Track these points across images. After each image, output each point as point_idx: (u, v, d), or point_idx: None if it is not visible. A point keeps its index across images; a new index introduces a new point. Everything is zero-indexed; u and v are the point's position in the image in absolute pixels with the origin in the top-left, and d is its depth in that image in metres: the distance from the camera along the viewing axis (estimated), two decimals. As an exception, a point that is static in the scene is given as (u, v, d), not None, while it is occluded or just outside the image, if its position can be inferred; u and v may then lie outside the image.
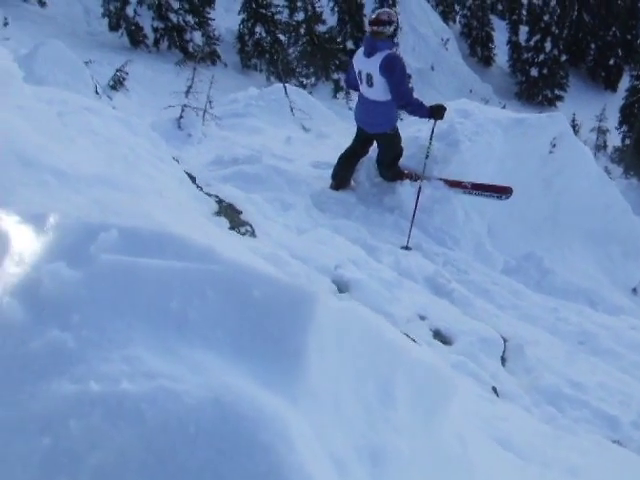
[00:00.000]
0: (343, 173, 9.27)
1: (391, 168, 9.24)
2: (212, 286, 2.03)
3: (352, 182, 9.40)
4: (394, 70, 8.11)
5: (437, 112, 8.32)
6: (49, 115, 4.76)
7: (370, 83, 8.37)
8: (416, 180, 8.88)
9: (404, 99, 8.28)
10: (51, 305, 1.93)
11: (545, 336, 6.55)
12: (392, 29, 8.21)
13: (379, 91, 8.31)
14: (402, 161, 9.07)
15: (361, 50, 8.49)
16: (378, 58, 8.09)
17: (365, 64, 8.31)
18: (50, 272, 2.03)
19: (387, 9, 8.56)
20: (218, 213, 5.93)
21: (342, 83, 33.40)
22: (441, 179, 8.99)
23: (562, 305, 7.67)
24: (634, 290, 10.32)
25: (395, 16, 8.39)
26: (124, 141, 5.54)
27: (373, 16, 8.41)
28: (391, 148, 9.06)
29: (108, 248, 2.16)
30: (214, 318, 1.94)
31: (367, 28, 8.60)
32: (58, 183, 2.58)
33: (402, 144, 9.06)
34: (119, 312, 1.92)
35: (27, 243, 2.20)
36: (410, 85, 8.43)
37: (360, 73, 8.47)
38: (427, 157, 8.62)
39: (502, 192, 8.86)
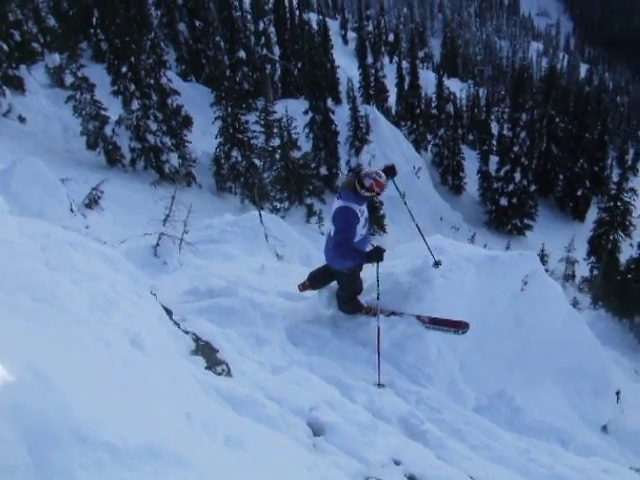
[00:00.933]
0: (319, 282, 9.60)
1: (348, 302, 9.41)
2: None
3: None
4: (337, 223, 8.32)
5: (373, 256, 8.25)
6: (32, 250, 4.81)
7: (332, 223, 8.62)
8: (374, 315, 8.98)
9: (337, 250, 8.35)
10: None
11: (517, 479, 6.49)
12: (367, 195, 8.28)
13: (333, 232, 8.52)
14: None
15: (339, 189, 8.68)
16: (337, 205, 8.35)
17: (333, 205, 8.55)
18: None
19: (380, 177, 8.37)
20: (195, 352, 5.93)
21: (315, 208, 33.96)
22: (394, 313, 9.11)
23: (533, 445, 7.62)
24: (604, 428, 10.33)
25: (381, 187, 8.32)
26: (104, 277, 5.57)
27: (363, 172, 8.54)
28: (346, 285, 9.23)
29: None
30: None
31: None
32: (112, 460, 2.61)
33: (360, 280, 9.25)
34: None
35: None
36: (360, 235, 8.39)
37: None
38: (378, 298, 8.59)
39: (458, 327, 8.90)
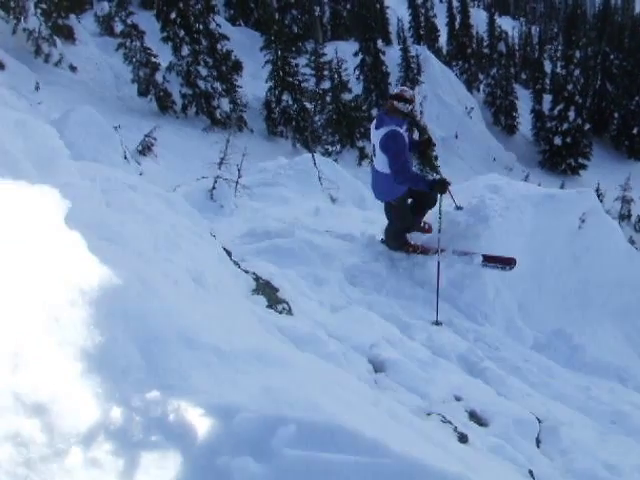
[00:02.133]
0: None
1: (394, 238, 9.42)
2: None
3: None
4: (389, 149, 8.17)
5: (438, 186, 8.30)
6: (94, 193, 4.87)
7: (374, 154, 8.57)
8: (427, 253, 9.03)
9: (397, 177, 8.28)
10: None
11: (578, 416, 6.49)
12: (410, 107, 8.28)
13: (380, 163, 8.43)
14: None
15: (374, 121, 8.58)
16: (381, 133, 8.19)
17: (373, 136, 8.45)
18: (239, 467, 2.22)
19: (409, 89, 8.59)
20: (256, 291, 5.98)
21: (367, 151, 33.77)
22: (453, 251, 9.07)
23: (593, 383, 7.62)
24: (663, 365, 10.25)
25: (415, 98, 8.47)
26: (165, 218, 5.62)
27: (396, 90, 8.55)
28: (395, 219, 9.20)
29: (288, 442, 2.34)
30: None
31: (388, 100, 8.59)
32: (220, 363, 2.69)
33: (410, 215, 9.22)
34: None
35: (213, 435, 2.33)
36: (408, 160, 8.34)
37: (371, 143, 8.63)
38: (439, 231, 8.66)
39: (505, 263, 8.86)
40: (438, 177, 8.54)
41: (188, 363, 2.56)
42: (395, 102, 8.20)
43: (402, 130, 8.24)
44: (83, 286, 2.34)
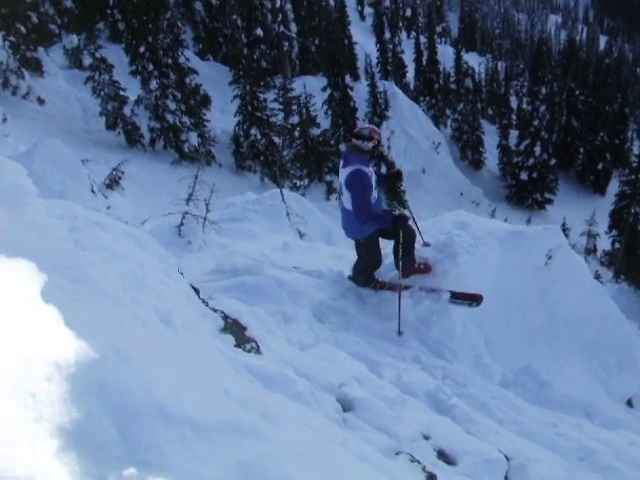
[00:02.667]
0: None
1: (363, 275, 9.48)
2: None
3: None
4: (352, 187, 8.18)
5: (399, 220, 8.40)
6: (61, 231, 4.85)
7: (341, 193, 8.59)
8: (394, 290, 9.03)
9: (359, 217, 8.29)
10: None
11: (546, 453, 6.49)
12: (371, 145, 8.19)
13: (347, 201, 8.42)
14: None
15: (342, 159, 8.58)
16: (347, 171, 8.19)
17: (340, 174, 8.43)
18: None
19: (372, 125, 8.55)
20: (224, 330, 5.95)
21: (335, 185, 33.94)
22: (420, 287, 9.12)
23: (560, 419, 7.64)
24: (629, 402, 10.32)
25: (378, 134, 8.35)
26: (133, 257, 5.61)
27: (355, 129, 8.58)
28: (364, 256, 9.24)
29: None
30: None
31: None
32: (196, 436, 2.67)
33: (380, 253, 9.22)
34: None
35: None
36: (373, 197, 8.36)
37: (339, 181, 8.61)
38: (397, 267, 8.87)
39: (473, 299, 8.91)
40: (397, 213, 8.53)
41: (164, 437, 2.54)
42: (354, 140, 8.24)
43: (368, 169, 8.25)
44: (59, 360, 2.31)
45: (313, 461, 3.18)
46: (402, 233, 8.55)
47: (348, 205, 8.44)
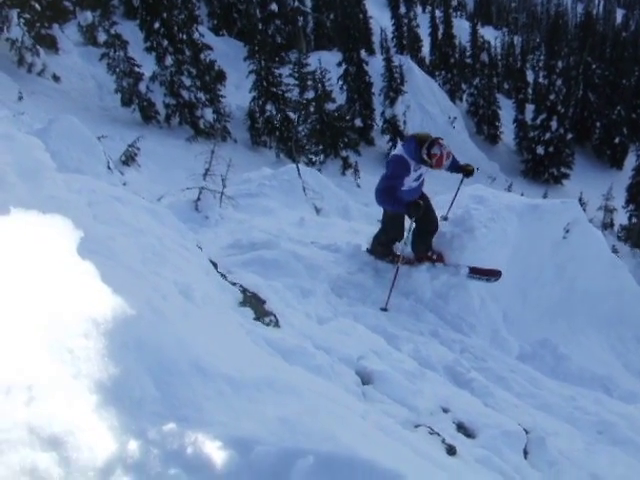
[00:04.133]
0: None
1: (381, 245, 9.53)
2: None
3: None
4: (388, 167, 8.60)
5: (410, 210, 8.32)
6: (80, 205, 4.86)
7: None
8: (412, 264, 9.17)
9: (378, 195, 8.56)
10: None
11: (564, 426, 6.50)
12: (424, 158, 8.14)
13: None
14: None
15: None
16: (394, 151, 8.59)
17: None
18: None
19: (447, 158, 8.26)
20: (243, 303, 5.97)
21: (350, 161, 33.87)
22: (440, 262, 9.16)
23: (578, 393, 7.64)
24: (647, 375, 10.30)
25: (438, 164, 8.23)
26: (152, 231, 5.61)
27: (441, 139, 8.33)
28: (387, 227, 9.31)
29: (307, 474, 2.34)
30: None
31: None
32: (233, 392, 2.69)
33: (403, 228, 9.14)
34: None
35: (232, 468, 2.31)
36: (406, 186, 8.35)
37: None
38: (405, 244, 8.97)
39: (491, 275, 8.88)
40: (411, 200, 8.49)
41: (202, 394, 2.56)
42: (427, 144, 8.15)
43: (413, 163, 8.28)
44: (96, 317, 2.33)
45: (346, 421, 3.21)
46: (414, 221, 8.58)
47: None
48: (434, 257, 9.32)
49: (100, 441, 2.18)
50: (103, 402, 2.23)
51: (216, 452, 2.32)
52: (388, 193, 8.33)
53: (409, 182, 8.46)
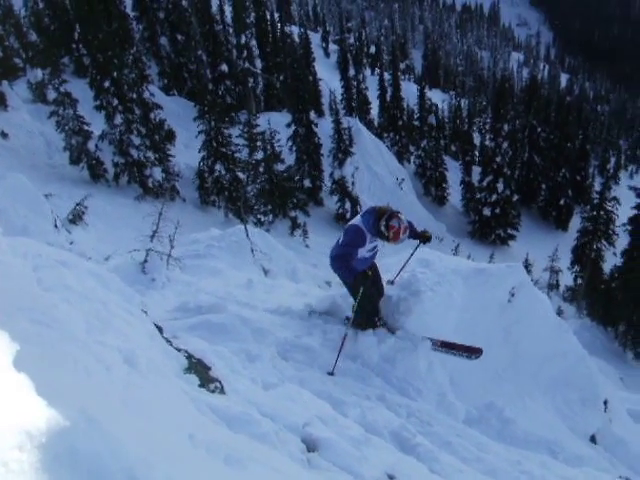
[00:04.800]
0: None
1: (364, 323, 9.29)
2: None
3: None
4: (345, 236, 8.55)
5: (357, 281, 8.54)
6: (25, 270, 4.82)
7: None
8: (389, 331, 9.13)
9: (334, 261, 8.64)
10: None
11: (510, 491, 6.53)
12: (382, 230, 8.16)
13: None
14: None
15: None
16: (352, 221, 8.59)
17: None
18: None
19: (404, 233, 8.21)
20: (188, 369, 5.91)
21: (299, 221, 34.06)
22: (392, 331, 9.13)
23: (524, 456, 7.68)
24: (592, 437, 10.37)
25: (395, 238, 8.19)
26: (96, 296, 5.57)
27: (400, 213, 8.32)
28: (355, 295, 9.04)
29: None
30: None
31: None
32: None
33: (371, 297, 9.12)
34: None
35: None
36: (359, 255, 8.44)
37: None
38: (353, 310, 8.89)
39: (472, 352, 8.89)
40: (361, 273, 8.61)
41: None
42: (385, 217, 8.18)
43: (369, 235, 8.34)
44: (30, 429, 2.29)
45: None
46: (361, 290, 8.61)
47: None
48: (379, 324, 9.34)
49: None
50: (37, 517, 2.20)
51: None
52: (342, 260, 8.45)
53: (363, 252, 8.52)
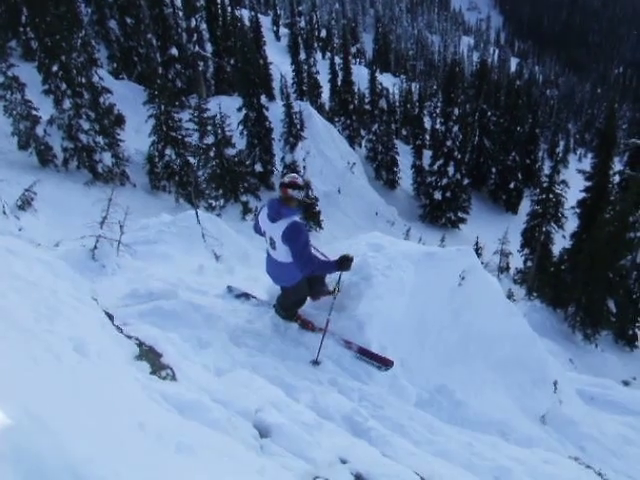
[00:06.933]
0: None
1: (287, 311, 9.35)
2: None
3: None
4: (297, 240, 8.00)
5: (343, 264, 8.33)
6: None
7: (273, 247, 8.33)
8: (313, 330, 9.13)
9: (307, 268, 8.24)
10: None
11: (462, 472, 6.56)
12: (302, 194, 8.18)
13: (282, 255, 8.25)
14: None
15: (265, 211, 8.36)
16: (282, 225, 8.01)
17: (269, 228, 8.26)
18: None
19: (294, 174, 8.31)
20: (139, 357, 5.88)
21: (250, 205, 33.92)
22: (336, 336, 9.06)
23: (476, 438, 7.76)
24: (542, 418, 10.50)
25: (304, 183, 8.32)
26: (45, 284, 5.52)
27: (286, 179, 8.22)
28: (290, 297, 9.10)
29: None
30: None
31: (277, 191, 8.32)
32: None
33: (304, 294, 9.14)
34: None
35: None
36: (311, 249, 8.27)
37: (265, 233, 8.46)
38: (331, 309, 8.73)
39: (383, 363, 8.76)
40: (340, 256, 8.46)
41: None
42: (290, 190, 8.06)
43: (301, 220, 8.21)
44: None
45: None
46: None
47: (282, 258, 8.30)
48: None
49: None
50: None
51: None
52: (313, 261, 8.18)
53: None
